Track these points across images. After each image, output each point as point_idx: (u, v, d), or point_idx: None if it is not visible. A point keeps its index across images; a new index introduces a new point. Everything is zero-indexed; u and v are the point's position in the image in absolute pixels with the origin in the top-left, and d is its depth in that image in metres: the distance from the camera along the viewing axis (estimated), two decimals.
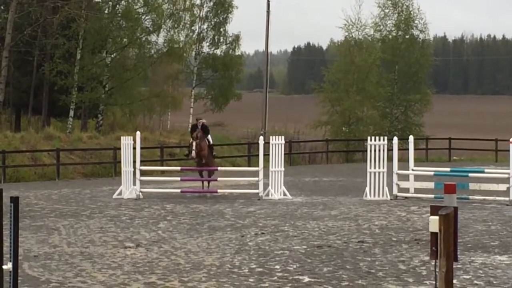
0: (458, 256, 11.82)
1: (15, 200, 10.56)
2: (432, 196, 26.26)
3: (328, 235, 20.97)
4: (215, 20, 54.08)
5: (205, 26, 54.06)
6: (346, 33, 56.49)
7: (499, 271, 15.83)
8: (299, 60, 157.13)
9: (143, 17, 47.35)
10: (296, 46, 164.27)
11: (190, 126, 27.93)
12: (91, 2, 46.75)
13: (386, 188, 29.51)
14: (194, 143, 26.40)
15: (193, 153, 26.11)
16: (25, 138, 40.18)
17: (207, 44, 54.01)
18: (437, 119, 62.58)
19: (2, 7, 45.16)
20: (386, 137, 30.52)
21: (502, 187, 28.00)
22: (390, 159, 28.80)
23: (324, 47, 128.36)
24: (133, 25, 46.89)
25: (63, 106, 46.30)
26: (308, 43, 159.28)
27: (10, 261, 10.38)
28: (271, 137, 30.51)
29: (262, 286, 14.14)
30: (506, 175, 28.58)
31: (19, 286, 11.12)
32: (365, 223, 22.18)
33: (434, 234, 5.88)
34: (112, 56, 47.60)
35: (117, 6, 47.94)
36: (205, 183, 29.47)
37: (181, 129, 49.90)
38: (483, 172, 31.74)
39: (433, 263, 11.69)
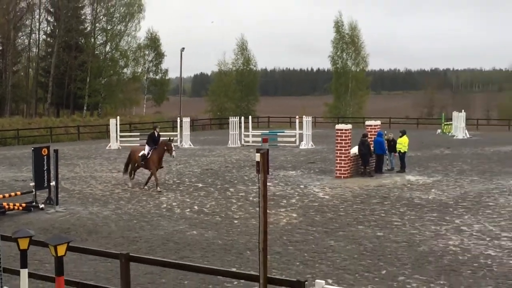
0: (270, 172, 19.61)
1: (56, 151, 17.71)
2: (259, 144, 36.25)
3: (211, 164, 28.75)
4: (156, 61, 76.91)
5: (150, 64, 76.68)
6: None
7: (291, 178, 23.28)
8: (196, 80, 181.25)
9: (119, 60, 70.93)
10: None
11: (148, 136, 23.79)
12: (94, 52, 68.19)
13: (238, 141, 40.03)
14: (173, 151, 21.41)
15: (174, 154, 21.36)
16: (61, 121, 57.50)
17: (152, 73, 77.27)
18: (265, 108, 74.98)
19: (49, 56, 69.64)
20: (238, 117, 39.93)
21: (292, 139, 37.71)
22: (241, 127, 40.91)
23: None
24: (115, 64, 70.09)
25: (81, 104, 67.49)
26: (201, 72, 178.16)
27: (53, 180, 17.39)
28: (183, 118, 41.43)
29: (179, 188, 21.74)
30: (294, 133, 37.62)
31: (59, 193, 17.73)
32: (228, 158, 29.78)
33: (257, 162, 6.73)
34: (105, 79, 69.60)
35: (107, 54, 70.58)
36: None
37: (139, 115, 70.51)
38: (283, 132, 42.79)
39: (257, 175, 19.84)
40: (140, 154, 21.63)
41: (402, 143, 25.12)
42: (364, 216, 15.92)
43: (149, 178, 21.68)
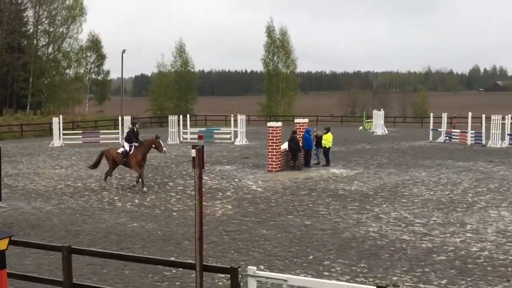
0: (207, 166, 19.47)
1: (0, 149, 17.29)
2: (196, 140, 35.89)
3: (151, 160, 28.11)
4: (97, 63, 74.44)
5: (93, 65, 74.23)
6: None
7: (226, 172, 23.32)
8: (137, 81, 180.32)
9: (62, 61, 68.09)
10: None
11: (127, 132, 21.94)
12: (36, 53, 64.75)
13: (177, 138, 39.32)
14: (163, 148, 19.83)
15: (165, 149, 19.70)
16: (4, 119, 55.04)
17: (94, 74, 74.83)
18: (202, 107, 74.62)
19: None
20: (177, 115, 39.83)
21: (228, 136, 37.93)
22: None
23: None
24: (57, 65, 67.27)
25: (24, 103, 64.41)
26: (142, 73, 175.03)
27: None
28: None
29: (120, 183, 21.46)
30: (229, 130, 37.77)
31: (2, 189, 17.22)
32: (167, 154, 28.81)
33: (193, 158, 6.62)
34: (48, 80, 66.34)
35: (50, 55, 67.04)
36: None
37: (81, 114, 68.66)
38: (219, 129, 42.40)
39: (193, 170, 19.73)
40: (119, 151, 19.70)
41: (327, 139, 25.58)
42: (293, 207, 16.14)
43: (141, 177, 19.36)
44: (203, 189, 6.94)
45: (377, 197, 17.46)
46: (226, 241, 12.35)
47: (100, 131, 43.46)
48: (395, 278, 9.88)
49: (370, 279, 9.73)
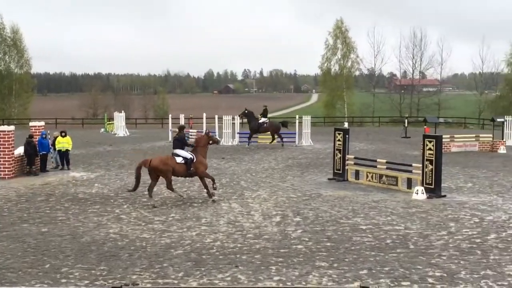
0: None
1: None
2: None
3: None
4: None
5: None
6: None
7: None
8: None
9: None
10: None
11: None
12: None
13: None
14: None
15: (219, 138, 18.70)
16: None
17: None
18: None
19: None
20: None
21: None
22: None
23: None
24: None
25: None
26: None
27: None
28: None
29: None
30: None
31: None
32: None
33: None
34: None
35: None
36: None
37: None
38: None
39: None
40: (179, 161, 16.67)
41: (66, 142, 24.62)
42: (28, 214, 15.11)
43: (212, 183, 16.95)
44: None
45: (118, 199, 17.37)
46: None
47: None
48: (134, 276, 9.95)
49: (110, 281, 9.63)
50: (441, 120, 60.77)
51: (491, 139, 32.86)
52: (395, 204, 16.45)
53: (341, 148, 21.21)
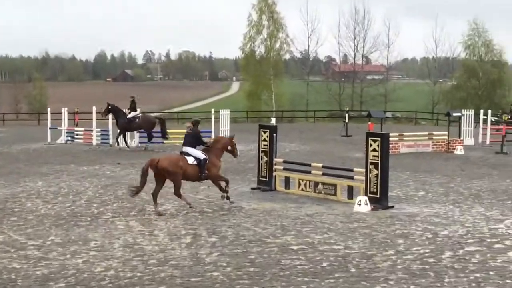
0: None
1: None
2: None
3: None
4: None
5: None
6: None
7: None
8: None
9: None
10: None
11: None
12: None
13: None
14: None
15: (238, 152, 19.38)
16: None
17: None
18: None
19: None
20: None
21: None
22: None
23: None
24: None
25: None
26: None
27: None
28: None
29: None
30: None
31: None
32: None
33: None
34: None
35: None
36: None
37: None
38: None
39: None
40: (191, 162, 17.29)
41: None
42: None
43: (225, 185, 17.93)
44: None
45: None
46: None
47: None
48: None
49: None
50: (388, 114, 62.95)
51: (446, 137, 34.29)
52: (333, 218, 16.78)
53: (268, 150, 21.45)
